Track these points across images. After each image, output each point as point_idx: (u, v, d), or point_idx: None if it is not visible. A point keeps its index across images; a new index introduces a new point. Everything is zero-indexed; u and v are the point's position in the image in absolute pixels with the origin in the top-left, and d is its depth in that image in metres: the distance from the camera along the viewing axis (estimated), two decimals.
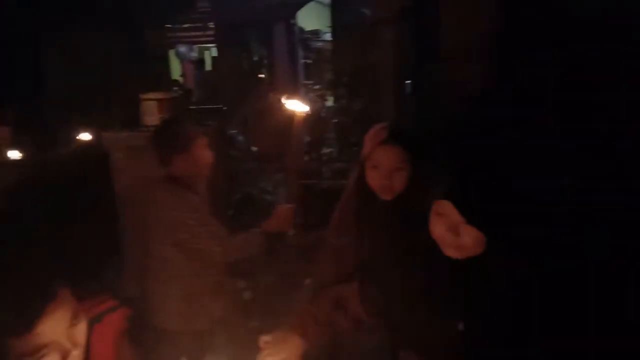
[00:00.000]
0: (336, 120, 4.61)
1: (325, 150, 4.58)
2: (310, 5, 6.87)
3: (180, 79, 8.13)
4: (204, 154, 1.97)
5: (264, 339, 1.19)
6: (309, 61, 6.96)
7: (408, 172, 1.32)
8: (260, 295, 2.99)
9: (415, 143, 1.36)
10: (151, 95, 3.23)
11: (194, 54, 8.47)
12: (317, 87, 6.42)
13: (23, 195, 2.43)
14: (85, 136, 2.96)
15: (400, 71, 3.12)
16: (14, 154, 2.45)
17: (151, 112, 3.17)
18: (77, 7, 4.87)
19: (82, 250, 2.55)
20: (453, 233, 1.10)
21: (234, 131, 6.08)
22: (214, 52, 7.77)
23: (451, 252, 1.12)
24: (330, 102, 5.97)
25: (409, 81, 3.15)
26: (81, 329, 0.89)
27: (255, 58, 7.38)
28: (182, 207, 1.85)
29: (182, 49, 8.16)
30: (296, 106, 2.03)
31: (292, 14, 6.64)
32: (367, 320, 1.34)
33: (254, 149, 6.21)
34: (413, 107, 2.83)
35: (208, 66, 8.20)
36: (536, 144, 1.54)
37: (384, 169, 1.32)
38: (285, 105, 2.06)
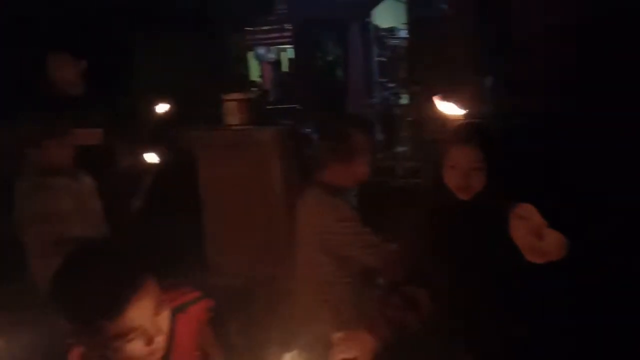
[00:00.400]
0: (410, 119, 4.54)
1: (400, 149, 4.52)
2: (387, 2, 6.81)
3: (259, 80, 8.42)
4: (364, 169, 1.85)
5: (337, 335, 1.22)
6: (383, 59, 6.91)
7: (486, 172, 1.28)
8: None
9: (494, 142, 1.32)
10: (232, 96, 3.37)
11: (272, 56, 8.74)
12: (391, 85, 6.37)
13: (133, 193, 2.63)
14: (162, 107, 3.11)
15: (478, 67, 3.01)
16: (152, 157, 2.62)
17: (232, 112, 3.30)
18: (163, 12, 5.19)
19: (167, 243, 2.72)
20: (535, 237, 1.06)
21: (308, 130, 6.21)
22: (291, 53, 7.96)
23: (532, 257, 1.08)
24: (404, 99, 5.89)
25: (487, 77, 3.03)
26: (165, 318, 0.95)
27: (330, 58, 7.46)
28: (332, 215, 1.78)
29: (261, 50, 8.45)
30: (450, 109, 1.85)
31: (368, 12, 6.62)
32: (437, 322, 1.33)
33: None
34: (491, 105, 2.73)
35: (285, 67, 8.42)
36: (618, 144, 1.43)
37: (461, 168, 1.29)
38: (438, 108, 1.90)
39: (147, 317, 0.92)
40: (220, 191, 3.34)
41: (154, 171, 2.72)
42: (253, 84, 7.28)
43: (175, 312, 1.02)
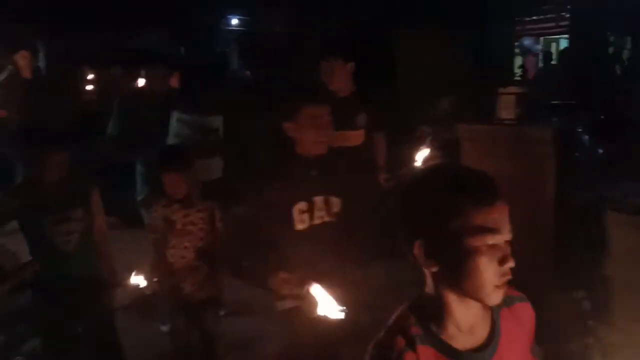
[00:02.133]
0: None
1: None
2: None
3: (520, 73, 7.92)
4: None
5: None
6: None
7: None
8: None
9: None
10: (510, 89, 3.26)
11: (539, 47, 8.08)
12: None
13: None
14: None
15: None
16: None
17: (509, 106, 3.20)
18: (431, 8, 5.33)
19: None
20: None
21: (579, 130, 5.55)
22: (563, 44, 7.22)
23: None
24: None
25: None
26: (508, 248, 0.87)
27: (611, 50, 6.51)
28: None
29: (527, 42, 7.90)
30: None
31: None
32: None
33: (601, 151, 5.52)
34: None
35: (554, 59, 7.70)
36: None
37: None
38: None
39: (503, 232, 0.85)
40: None
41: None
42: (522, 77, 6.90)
43: (502, 303, 0.92)
